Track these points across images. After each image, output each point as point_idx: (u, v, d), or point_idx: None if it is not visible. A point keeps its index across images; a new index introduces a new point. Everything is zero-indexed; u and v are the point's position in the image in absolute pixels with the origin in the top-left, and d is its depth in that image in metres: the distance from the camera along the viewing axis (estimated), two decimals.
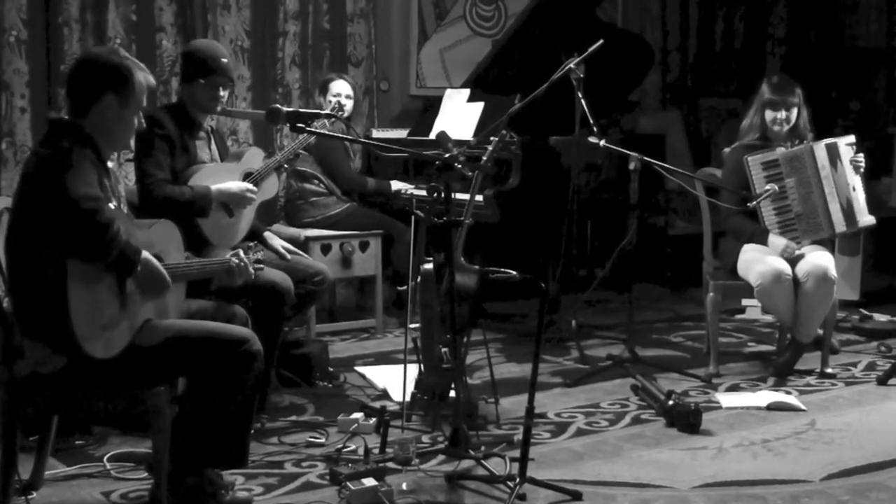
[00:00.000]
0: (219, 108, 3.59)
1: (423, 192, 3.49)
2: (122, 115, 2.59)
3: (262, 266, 3.03)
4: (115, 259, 2.41)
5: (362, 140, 4.69)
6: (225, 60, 3.57)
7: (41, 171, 2.44)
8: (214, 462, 2.69)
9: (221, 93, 3.56)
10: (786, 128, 4.11)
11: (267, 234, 3.83)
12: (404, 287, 3.70)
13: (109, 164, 2.67)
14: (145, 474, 2.91)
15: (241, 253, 2.85)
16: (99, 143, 2.58)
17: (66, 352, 2.45)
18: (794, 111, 4.10)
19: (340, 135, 4.16)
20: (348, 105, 4.81)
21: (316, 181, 4.78)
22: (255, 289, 3.34)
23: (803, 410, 3.64)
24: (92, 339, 2.42)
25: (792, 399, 3.74)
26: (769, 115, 4.11)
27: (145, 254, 2.49)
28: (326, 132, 3.51)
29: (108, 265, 2.43)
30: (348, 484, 2.78)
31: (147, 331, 2.58)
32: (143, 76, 2.63)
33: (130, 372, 2.53)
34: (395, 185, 4.90)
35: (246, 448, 2.72)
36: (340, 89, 4.80)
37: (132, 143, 2.74)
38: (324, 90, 4.82)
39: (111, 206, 2.53)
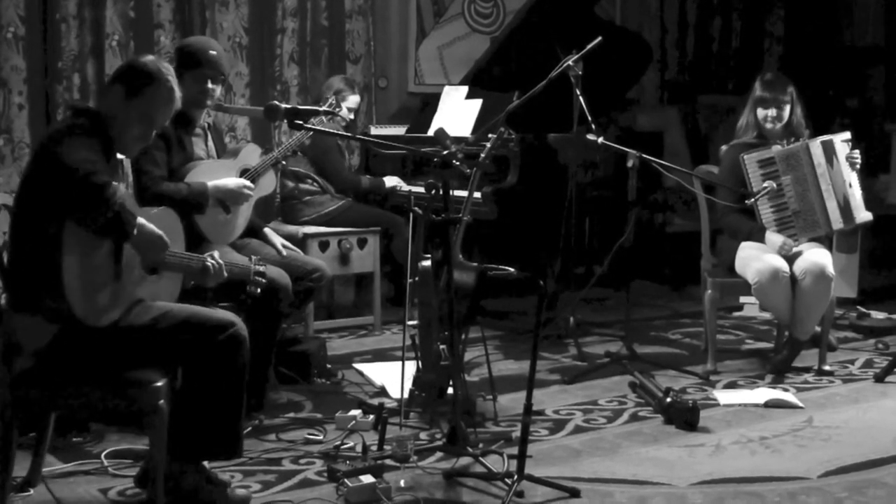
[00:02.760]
0: (209, 102, 3.57)
1: (421, 189, 3.49)
2: (125, 110, 2.60)
3: (263, 280, 3.02)
4: (111, 220, 2.40)
5: (360, 137, 4.69)
6: (213, 53, 3.54)
7: (44, 144, 2.50)
8: (208, 454, 2.69)
9: (211, 86, 3.52)
10: (778, 125, 4.11)
11: (267, 230, 3.83)
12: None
13: (119, 156, 2.69)
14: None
15: (216, 254, 2.83)
16: (111, 133, 2.60)
17: (57, 317, 2.45)
18: (786, 108, 4.10)
19: (339, 132, 4.16)
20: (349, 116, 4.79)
21: (310, 180, 4.78)
22: None
23: (801, 408, 3.65)
24: (83, 303, 2.43)
25: (789, 396, 3.75)
26: (760, 112, 4.11)
27: (141, 220, 2.50)
28: (324, 129, 3.50)
29: (104, 228, 2.42)
30: (346, 481, 2.78)
31: (137, 310, 2.60)
32: (168, 94, 2.64)
33: (117, 349, 2.54)
34: (389, 181, 4.90)
35: (239, 437, 2.71)
36: (354, 104, 4.78)
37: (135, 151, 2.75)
38: (339, 95, 4.74)
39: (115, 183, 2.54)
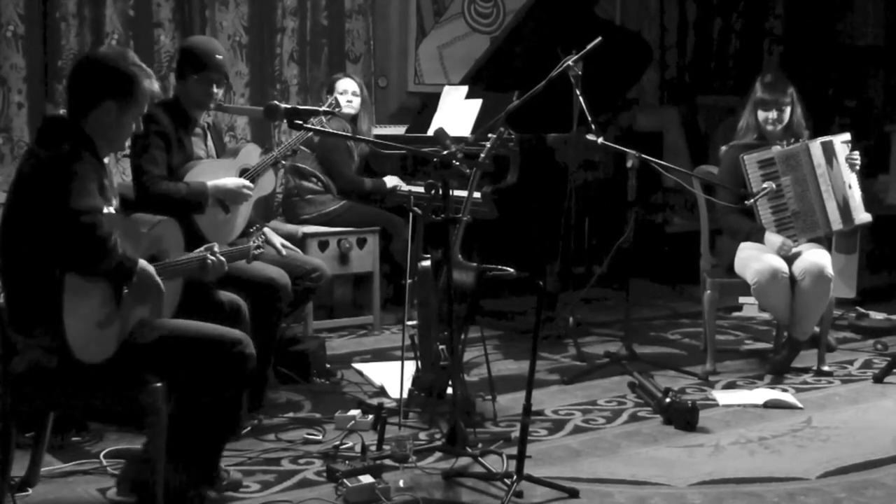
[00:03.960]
0: (212, 105, 3.58)
1: (420, 189, 3.49)
2: (120, 122, 2.59)
3: (262, 250, 3.06)
4: (111, 271, 2.41)
5: (360, 137, 4.69)
6: (220, 57, 3.55)
7: (42, 177, 2.41)
8: (201, 457, 2.68)
9: (215, 89, 3.53)
10: (778, 127, 4.11)
11: (266, 230, 3.83)
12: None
13: (105, 160, 2.67)
14: None
15: (216, 247, 2.83)
16: (97, 144, 2.57)
17: (57, 354, 2.44)
18: (787, 110, 4.10)
19: (336, 132, 4.15)
20: (355, 102, 4.81)
21: (314, 179, 4.78)
22: (252, 285, 3.35)
23: (800, 408, 3.65)
24: (83, 345, 2.41)
25: (788, 397, 3.75)
26: (761, 114, 4.11)
27: (142, 263, 2.49)
28: (323, 129, 3.50)
29: (105, 275, 2.43)
30: (345, 481, 2.78)
31: (141, 329, 2.58)
32: (149, 83, 2.61)
33: (123, 370, 2.53)
34: (390, 181, 4.90)
35: (215, 467, 2.71)
36: (347, 87, 4.80)
37: (127, 144, 2.74)
38: (331, 89, 4.81)
39: (111, 209, 2.53)
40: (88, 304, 2.43)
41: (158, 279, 2.54)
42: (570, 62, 4.00)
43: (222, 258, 2.80)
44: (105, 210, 2.49)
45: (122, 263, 2.42)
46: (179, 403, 2.64)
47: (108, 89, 2.55)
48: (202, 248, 2.80)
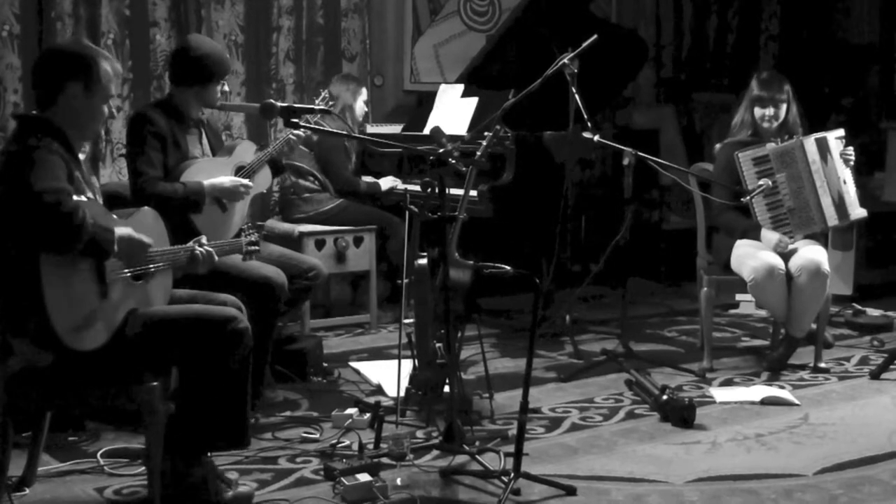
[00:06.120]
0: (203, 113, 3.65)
1: (417, 187, 3.49)
2: (89, 104, 2.58)
3: (257, 248, 3.04)
4: (86, 245, 2.39)
5: (357, 136, 4.69)
6: (227, 55, 3.61)
7: (7, 169, 2.43)
8: (214, 445, 2.68)
9: (203, 112, 3.63)
10: (774, 124, 4.11)
11: None
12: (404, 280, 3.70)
13: (81, 157, 2.66)
14: (139, 470, 2.90)
15: (203, 239, 2.82)
16: (68, 135, 2.56)
17: (48, 347, 2.44)
18: (783, 107, 4.10)
19: (336, 130, 4.14)
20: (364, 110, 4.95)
21: (311, 178, 4.78)
22: (249, 284, 3.35)
23: (797, 405, 3.66)
24: (72, 332, 2.41)
25: (785, 393, 3.76)
26: (757, 111, 4.11)
27: (118, 229, 2.47)
28: (321, 128, 3.51)
29: (82, 252, 2.41)
30: (342, 479, 2.78)
31: (132, 320, 2.58)
32: (109, 64, 2.63)
33: (120, 361, 2.52)
34: (385, 183, 4.91)
35: (245, 427, 2.71)
36: (366, 96, 4.98)
37: (102, 131, 2.74)
38: (354, 94, 4.90)
39: (84, 197, 2.51)
40: (70, 287, 2.41)
41: (140, 235, 2.53)
42: (565, 60, 4.00)
43: (211, 249, 2.79)
44: (75, 198, 2.46)
45: (96, 236, 2.39)
46: (184, 391, 2.64)
47: (69, 71, 2.57)
48: (192, 243, 2.80)
